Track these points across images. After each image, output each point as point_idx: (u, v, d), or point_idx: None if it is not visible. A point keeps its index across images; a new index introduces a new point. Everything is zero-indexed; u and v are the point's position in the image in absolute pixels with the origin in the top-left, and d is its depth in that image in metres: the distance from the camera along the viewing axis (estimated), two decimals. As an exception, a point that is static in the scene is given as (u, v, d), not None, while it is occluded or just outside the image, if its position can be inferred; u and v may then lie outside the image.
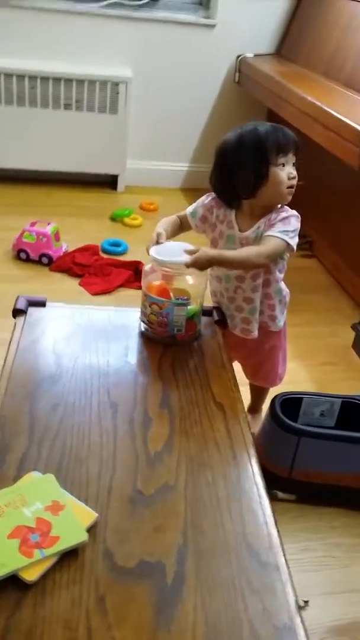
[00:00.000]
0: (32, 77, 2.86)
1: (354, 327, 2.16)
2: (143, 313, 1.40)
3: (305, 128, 2.30)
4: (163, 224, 1.42)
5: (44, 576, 0.83)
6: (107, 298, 2.28)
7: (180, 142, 3.27)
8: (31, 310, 1.44)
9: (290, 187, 1.29)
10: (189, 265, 1.28)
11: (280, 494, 1.50)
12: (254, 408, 1.71)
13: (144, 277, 1.41)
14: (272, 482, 1.51)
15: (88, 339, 1.37)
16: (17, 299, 1.45)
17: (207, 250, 1.29)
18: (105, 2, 2.89)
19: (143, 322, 1.40)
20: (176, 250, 1.32)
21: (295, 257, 2.79)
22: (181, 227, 1.47)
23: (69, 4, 2.88)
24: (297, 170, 1.35)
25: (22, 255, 2.44)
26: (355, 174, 1.99)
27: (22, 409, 1.13)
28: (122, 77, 2.95)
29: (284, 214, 1.31)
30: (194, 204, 1.45)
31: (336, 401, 1.54)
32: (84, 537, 0.88)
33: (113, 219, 2.93)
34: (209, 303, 1.51)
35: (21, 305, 1.43)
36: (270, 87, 2.66)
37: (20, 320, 1.40)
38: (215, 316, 1.49)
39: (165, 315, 1.35)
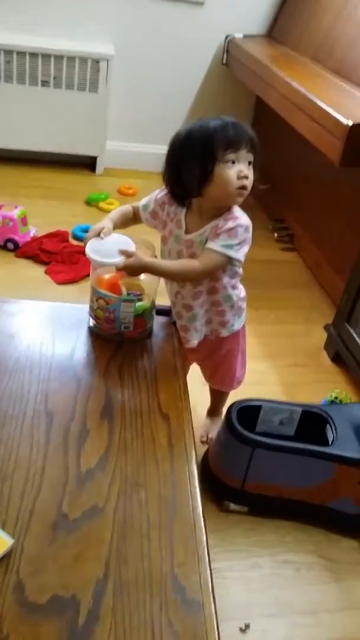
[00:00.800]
0: (8, 52, 2.72)
1: (326, 327, 2.09)
2: (91, 308, 1.32)
3: (289, 116, 2.20)
4: (113, 215, 1.34)
5: None
6: (73, 288, 2.19)
7: (164, 124, 3.10)
8: (-29, 303, 1.35)
9: (241, 187, 1.19)
10: (119, 269, 1.21)
11: (232, 506, 1.43)
12: (214, 411, 1.64)
13: (93, 270, 1.33)
14: (225, 493, 1.44)
15: (33, 339, 1.29)
16: None
17: (141, 257, 1.20)
18: (87, -27, 2.75)
19: (91, 317, 1.33)
20: (114, 248, 1.22)
21: (276, 249, 2.75)
22: (134, 218, 1.38)
23: (48, -27, 2.73)
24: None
25: (-14, 239, 2.34)
26: (339, 169, 1.89)
27: None
28: (104, 53, 2.82)
29: (231, 224, 1.22)
30: (148, 197, 1.36)
31: (296, 410, 1.47)
32: (-8, 568, 0.81)
33: (88, 203, 2.83)
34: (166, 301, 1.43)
35: None
36: (256, 70, 2.54)
37: None
38: (173, 317, 1.41)
39: (113, 311, 1.28)
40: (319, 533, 1.43)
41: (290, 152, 2.69)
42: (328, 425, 1.44)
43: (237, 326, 1.40)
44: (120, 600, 0.81)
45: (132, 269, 1.21)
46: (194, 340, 1.36)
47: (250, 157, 1.19)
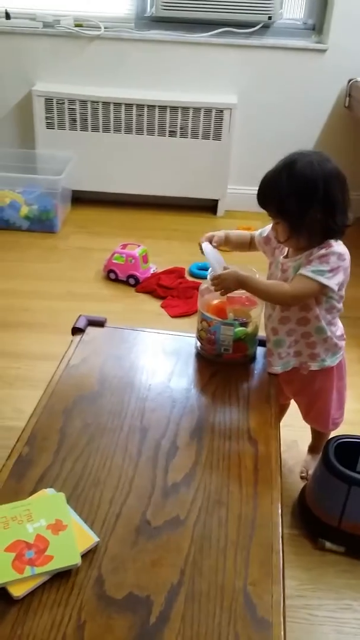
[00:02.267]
0: (140, 106, 2.99)
1: None
2: (197, 330, 1.43)
3: None
4: (232, 232, 1.45)
5: (32, 594, 0.85)
6: (186, 321, 2.29)
7: (284, 168, 3.22)
8: (89, 329, 1.49)
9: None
10: (214, 279, 1.29)
11: (328, 544, 1.39)
12: (315, 448, 1.61)
13: (200, 296, 1.44)
14: (321, 530, 1.41)
15: (137, 361, 1.39)
16: (78, 318, 1.51)
17: (238, 271, 1.27)
18: (215, 31, 2.95)
19: (197, 339, 1.44)
20: (218, 260, 1.34)
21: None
22: (250, 245, 1.46)
23: (178, 34, 2.98)
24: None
25: (111, 275, 2.54)
26: None
27: (54, 425, 1.16)
28: (227, 103, 2.99)
29: (324, 251, 1.23)
30: (266, 226, 1.42)
31: None
32: (77, 560, 0.88)
33: (207, 243, 2.95)
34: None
35: (80, 324, 1.48)
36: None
37: (76, 338, 1.45)
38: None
39: (213, 333, 1.36)
40: None
41: None
42: None
43: (329, 362, 1.38)
44: (190, 608, 0.84)
45: (228, 282, 1.28)
46: (276, 367, 1.37)
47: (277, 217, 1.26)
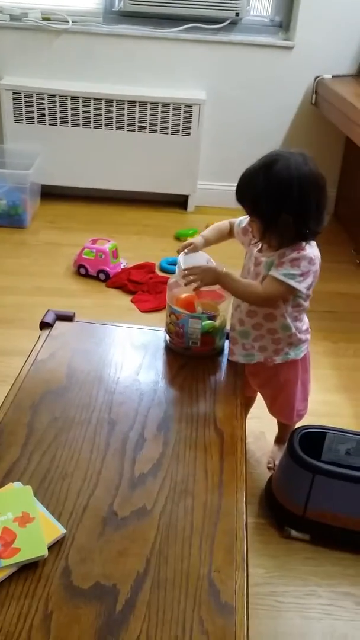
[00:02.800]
0: (109, 101, 2.98)
1: None
2: (166, 323, 1.44)
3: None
4: (207, 232, 1.46)
5: (-1, 585, 0.85)
6: (156, 316, 2.30)
7: (253, 164, 3.25)
8: (58, 324, 1.49)
9: None
10: (194, 269, 1.31)
11: (293, 532, 1.42)
12: (281, 438, 1.65)
13: (169, 290, 1.45)
14: (286, 519, 1.44)
15: (105, 355, 1.40)
16: (46, 313, 1.50)
17: (218, 267, 1.29)
18: (183, 27, 2.96)
19: (165, 332, 1.45)
20: (195, 261, 1.37)
21: (357, 282, 2.71)
22: (229, 233, 1.47)
23: (146, 29, 2.98)
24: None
25: (81, 270, 2.54)
26: None
27: (22, 420, 1.16)
28: (196, 99, 3.00)
29: (295, 254, 1.26)
30: (243, 216, 1.41)
31: (363, 439, 1.44)
32: (44, 551, 0.89)
33: (177, 238, 2.97)
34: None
35: (48, 318, 1.48)
36: (342, 109, 2.59)
37: (44, 333, 1.45)
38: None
39: (181, 326, 1.38)
40: (385, 569, 1.38)
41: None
42: None
43: (293, 355, 1.41)
44: (156, 595, 0.86)
45: (209, 274, 1.29)
46: (238, 356, 1.39)
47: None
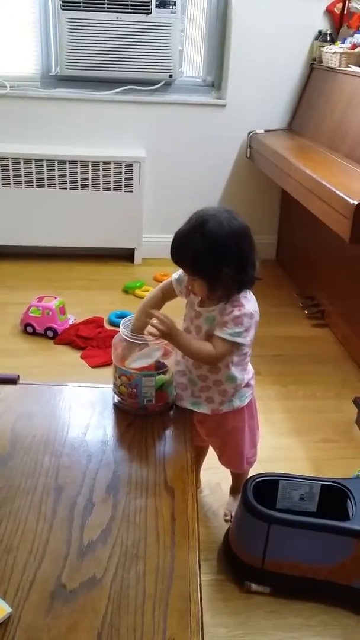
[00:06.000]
0: (50, 161, 3.03)
1: (355, 401, 2.07)
2: (115, 385, 1.41)
3: (304, 200, 2.32)
4: (148, 304, 1.44)
5: None
6: (107, 370, 2.28)
7: (195, 216, 3.34)
8: (1, 387, 1.45)
9: None
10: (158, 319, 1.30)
11: (253, 586, 1.40)
12: (235, 489, 1.63)
13: (114, 349, 1.42)
14: (245, 573, 1.42)
15: (51, 417, 1.37)
16: (-12, 377, 1.47)
17: (174, 325, 1.31)
18: (119, 89, 3.07)
19: (115, 394, 1.42)
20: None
21: (307, 326, 2.78)
22: (164, 298, 1.47)
23: (83, 92, 3.07)
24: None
25: (28, 329, 2.51)
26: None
27: (-36, 492, 1.12)
28: (136, 157, 3.09)
29: (237, 312, 1.30)
30: (180, 271, 1.42)
31: (315, 484, 1.45)
32: (-13, 636, 0.84)
33: (125, 291, 2.99)
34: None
35: (-9, 383, 1.45)
36: (275, 161, 2.71)
37: (-14, 398, 1.41)
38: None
39: (135, 387, 1.36)
40: (346, 616, 1.36)
41: (317, 232, 2.79)
42: (348, 500, 1.41)
43: (238, 402, 1.43)
44: (108, 672, 0.82)
45: (166, 327, 1.29)
46: (185, 402, 1.41)
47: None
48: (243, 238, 1.29)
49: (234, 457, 1.51)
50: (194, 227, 1.27)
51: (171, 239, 1.32)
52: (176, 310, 1.46)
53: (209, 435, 1.51)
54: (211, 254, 1.25)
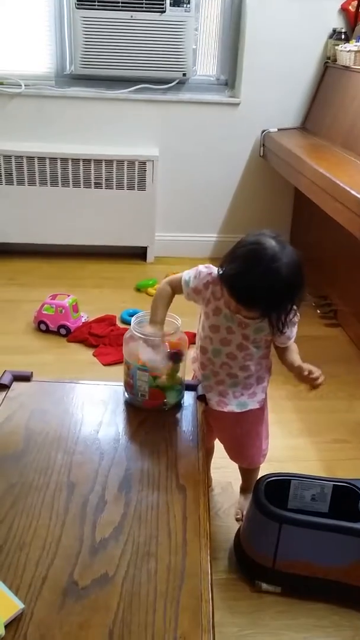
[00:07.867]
0: (64, 160, 3.05)
1: (368, 401, 2.06)
2: (125, 381, 1.42)
3: (317, 199, 2.30)
4: (162, 313, 1.41)
5: None
6: (119, 368, 2.28)
7: (207, 215, 3.34)
8: (15, 385, 1.47)
9: None
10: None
11: (264, 586, 1.40)
12: (246, 488, 1.63)
13: (125, 344, 1.43)
14: (256, 572, 1.41)
15: (64, 415, 1.38)
16: (2, 374, 1.48)
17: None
18: (133, 88, 3.08)
19: (124, 385, 1.43)
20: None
21: (320, 326, 2.76)
22: (173, 294, 1.45)
23: (97, 90, 3.08)
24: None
25: (42, 326, 2.52)
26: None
27: (-23, 488, 1.13)
28: (149, 155, 3.09)
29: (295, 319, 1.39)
30: (192, 272, 1.40)
31: (327, 485, 1.44)
32: (0, 631, 0.85)
33: (138, 289, 3.00)
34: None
35: (5, 380, 1.46)
36: (288, 160, 2.70)
37: (0, 395, 1.42)
38: (199, 391, 1.47)
39: (131, 377, 1.37)
40: (358, 618, 1.36)
41: (330, 231, 2.77)
42: (360, 500, 1.41)
43: (262, 395, 1.49)
44: (120, 669, 0.82)
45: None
46: (231, 406, 1.45)
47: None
48: (302, 266, 1.26)
49: (252, 451, 1.53)
50: (263, 272, 1.21)
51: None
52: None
53: (223, 430, 1.51)
54: (287, 295, 1.25)
